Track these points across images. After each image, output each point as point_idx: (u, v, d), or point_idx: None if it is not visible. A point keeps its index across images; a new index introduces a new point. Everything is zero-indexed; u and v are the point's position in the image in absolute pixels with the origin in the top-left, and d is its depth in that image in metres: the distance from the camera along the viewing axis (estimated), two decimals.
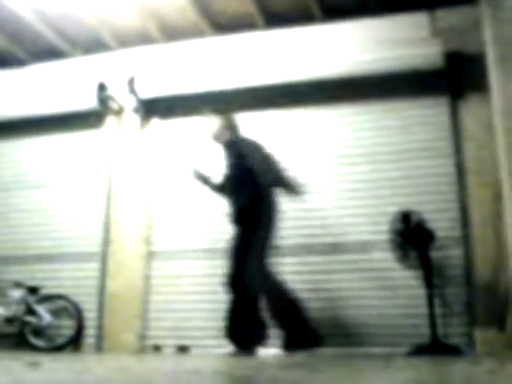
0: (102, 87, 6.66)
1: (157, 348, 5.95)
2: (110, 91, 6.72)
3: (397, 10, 6.12)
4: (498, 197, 5.32)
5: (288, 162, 5.53)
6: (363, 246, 5.71)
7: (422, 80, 5.89)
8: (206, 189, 5.54)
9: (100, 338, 6.14)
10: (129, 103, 6.66)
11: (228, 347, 4.94)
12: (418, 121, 5.93)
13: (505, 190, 5.08)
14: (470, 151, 5.68)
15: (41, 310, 6.08)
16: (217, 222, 6.00)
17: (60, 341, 6.06)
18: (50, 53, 7.05)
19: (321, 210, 5.90)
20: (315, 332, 4.92)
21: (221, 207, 5.49)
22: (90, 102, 6.63)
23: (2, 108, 6.96)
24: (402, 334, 5.41)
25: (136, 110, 6.64)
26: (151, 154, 6.59)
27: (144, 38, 6.79)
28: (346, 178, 5.95)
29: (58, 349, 5.96)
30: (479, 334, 5.20)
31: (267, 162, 5.06)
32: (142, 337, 6.05)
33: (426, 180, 5.76)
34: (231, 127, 5.35)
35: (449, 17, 6.00)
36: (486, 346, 5.13)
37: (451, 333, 5.30)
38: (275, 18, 6.41)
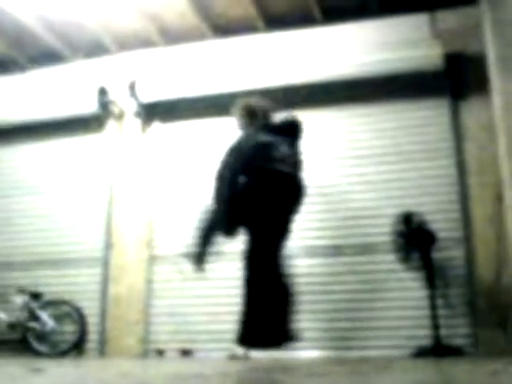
0: (102, 91, 6.67)
1: (159, 352, 5.95)
2: (111, 95, 6.73)
3: (397, 12, 6.13)
4: (499, 197, 5.33)
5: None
6: (365, 248, 5.70)
7: (422, 81, 5.89)
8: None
9: (103, 342, 6.14)
10: (130, 107, 6.67)
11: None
12: (419, 122, 5.93)
13: (506, 190, 5.09)
14: (471, 152, 5.67)
15: (44, 315, 6.08)
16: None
17: (63, 346, 6.05)
18: (51, 57, 7.06)
19: (320, 212, 5.90)
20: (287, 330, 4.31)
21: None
22: (90, 107, 6.65)
23: (3, 113, 6.97)
24: (405, 335, 5.40)
25: (137, 114, 6.65)
26: (152, 158, 6.59)
27: (144, 42, 6.80)
28: (348, 179, 5.95)
29: (62, 354, 5.95)
30: (482, 335, 5.20)
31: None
32: (145, 341, 6.04)
33: (427, 181, 5.76)
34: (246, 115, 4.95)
35: (449, 18, 6.00)
36: (488, 346, 5.13)
37: (454, 334, 5.29)
38: (275, 21, 6.42)
